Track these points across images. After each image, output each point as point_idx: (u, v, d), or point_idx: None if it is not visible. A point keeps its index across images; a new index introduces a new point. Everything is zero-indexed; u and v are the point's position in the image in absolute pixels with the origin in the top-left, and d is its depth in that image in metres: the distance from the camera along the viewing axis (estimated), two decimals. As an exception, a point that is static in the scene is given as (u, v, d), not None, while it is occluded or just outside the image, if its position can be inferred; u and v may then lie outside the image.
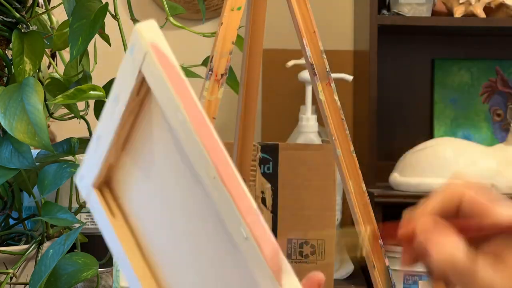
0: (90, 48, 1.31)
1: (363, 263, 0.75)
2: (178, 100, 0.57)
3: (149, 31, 0.60)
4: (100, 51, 1.40)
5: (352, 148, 1.16)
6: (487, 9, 2.21)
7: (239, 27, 1.15)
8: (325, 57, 1.16)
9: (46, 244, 1.23)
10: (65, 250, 1.14)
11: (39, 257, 1.20)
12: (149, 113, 0.61)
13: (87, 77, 1.34)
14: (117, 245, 0.65)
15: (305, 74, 2.03)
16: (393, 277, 1.15)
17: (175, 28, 1.32)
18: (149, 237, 0.64)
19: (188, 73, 1.39)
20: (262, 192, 1.58)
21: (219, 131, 0.58)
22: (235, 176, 0.55)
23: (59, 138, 1.81)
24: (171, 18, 1.30)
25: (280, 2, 1.19)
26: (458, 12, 2.19)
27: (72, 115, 1.35)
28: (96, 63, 1.40)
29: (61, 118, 1.36)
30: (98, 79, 1.34)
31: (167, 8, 1.30)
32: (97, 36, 1.25)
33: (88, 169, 0.66)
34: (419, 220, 0.66)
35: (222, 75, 1.13)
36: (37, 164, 1.22)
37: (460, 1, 2.19)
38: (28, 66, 1.22)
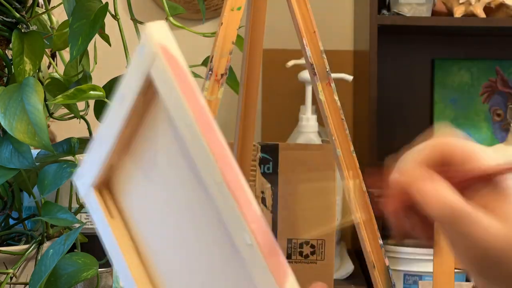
0: (90, 48, 1.31)
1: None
2: (186, 104, 0.56)
3: (158, 33, 0.59)
4: (100, 51, 1.40)
5: (352, 148, 1.16)
6: (487, 9, 2.21)
7: (239, 27, 1.15)
8: (325, 57, 1.16)
9: (46, 244, 1.23)
10: (65, 250, 1.14)
11: (39, 257, 1.20)
12: (155, 115, 0.61)
13: (87, 77, 1.34)
14: (114, 246, 0.64)
15: (305, 74, 2.03)
16: (393, 277, 1.15)
17: (175, 28, 1.32)
18: (147, 240, 0.64)
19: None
20: (262, 192, 1.58)
21: (219, 131, 0.58)
22: (241, 182, 0.55)
23: (59, 138, 1.81)
24: (171, 18, 1.30)
25: (280, 2, 1.19)
26: (458, 12, 2.19)
27: (72, 115, 1.35)
28: (96, 63, 1.40)
29: (61, 118, 1.36)
30: (98, 79, 1.34)
31: (167, 8, 1.30)
32: (97, 36, 1.25)
33: (88, 168, 0.66)
34: (408, 172, 0.66)
35: (222, 75, 1.13)
36: (37, 164, 1.22)
37: (460, 1, 2.19)
38: (28, 66, 1.22)
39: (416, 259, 2.18)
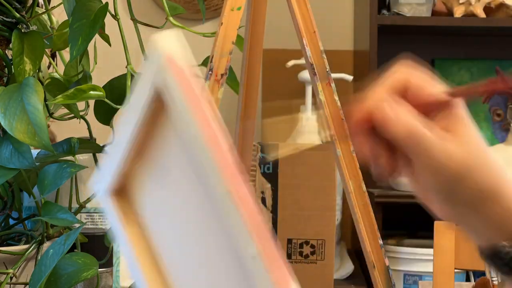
0: (90, 48, 1.31)
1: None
2: (192, 116, 0.57)
3: (167, 43, 0.60)
4: (100, 51, 1.40)
5: (352, 148, 1.16)
6: (487, 9, 2.21)
7: (239, 27, 1.15)
8: (325, 57, 1.16)
9: (46, 244, 1.23)
10: (65, 250, 1.14)
11: (39, 257, 1.20)
12: (164, 124, 0.62)
13: (87, 77, 1.34)
14: (129, 251, 0.65)
15: (305, 74, 2.03)
16: (393, 277, 1.15)
17: (175, 28, 1.32)
18: (161, 246, 0.65)
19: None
20: (262, 192, 1.58)
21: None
22: (246, 193, 0.55)
23: (59, 138, 1.82)
24: (171, 18, 1.30)
25: (280, 2, 1.19)
26: (458, 12, 2.19)
27: (72, 115, 1.35)
28: (96, 63, 1.40)
29: (61, 118, 1.36)
30: (98, 79, 1.34)
31: (167, 8, 1.30)
32: (97, 36, 1.25)
33: (104, 174, 0.67)
34: (372, 97, 0.72)
35: (222, 75, 1.13)
36: (37, 164, 1.22)
37: (460, 1, 2.19)
38: (28, 66, 1.22)
39: (416, 259, 2.19)
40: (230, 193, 0.54)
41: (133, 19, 1.30)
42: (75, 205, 1.29)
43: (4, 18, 1.25)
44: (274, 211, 1.57)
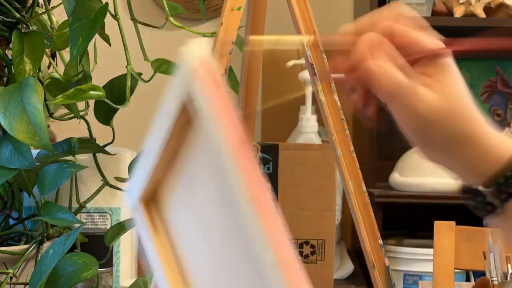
0: (90, 48, 1.31)
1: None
2: (219, 123, 0.57)
3: (201, 51, 0.60)
4: (100, 51, 1.40)
5: (352, 148, 1.16)
6: (487, 9, 2.21)
7: (239, 27, 1.15)
8: (325, 57, 1.16)
9: (46, 244, 1.23)
10: (65, 250, 1.14)
11: (39, 257, 1.20)
12: (193, 132, 0.62)
13: (87, 77, 1.34)
14: (156, 260, 0.67)
15: (305, 74, 2.03)
16: (393, 277, 1.15)
17: (175, 28, 1.32)
18: (187, 256, 0.66)
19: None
20: (262, 192, 1.58)
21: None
22: (268, 200, 0.56)
23: (59, 138, 1.81)
24: (171, 18, 1.30)
25: (280, 2, 1.19)
26: (458, 12, 2.19)
27: (72, 115, 1.35)
28: (96, 63, 1.40)
29: (61, 118, 1.36)
30: (98, 79, 1.34)
31: (167, 8, 1.30)
32: (97, 36, 1.25)
33: (136, 182, 0.68)
34: (358, 50, 0.75)
35: (222, 75, 1.13)
36: (37, 164, 1.22)
37: (460, 1, 2.19)
38: (28, 66, 1.22)
39: (416, 259, 2.18)
40: (252, 200, 0.55)
41: (133, 19, 1.30)
42: (75, 205, 1.29)
43: (4, 18, 1.25)
44: (274, 211, 1.57)
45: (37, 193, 1.24)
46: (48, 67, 1.40)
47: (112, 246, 1.25)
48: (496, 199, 0.75)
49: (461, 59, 0.77)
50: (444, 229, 1.50)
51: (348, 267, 2.08)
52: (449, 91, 0.75)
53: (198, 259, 0.64)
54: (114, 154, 1.35)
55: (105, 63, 1.54)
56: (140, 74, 1.28)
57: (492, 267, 1.24)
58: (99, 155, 1.32)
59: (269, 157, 1.59)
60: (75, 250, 1.24)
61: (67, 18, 1.28)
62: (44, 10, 1.33)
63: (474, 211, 0.77)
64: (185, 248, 0.66)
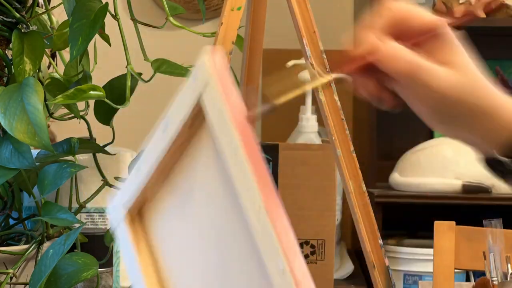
0: (90, 48, 1.31)
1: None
2: (235, 131, 0.57)
3: (214, 59, 0.60)
4: (100, 51, 1.40)
5: (352, 148, 1.16)
6: (487, 9, 2.21)
7: (239, 27, 1.15)
8: (325, 57, 1.16)
9: (46, 244, 1.23)
10: (65, 250, 1.14)
11: (39, 257, 1.20)
12: (198, 145, 0.61)
13: (87, 77, 1.34)
14: (136, 272, 0.65)
15: (305, 74, 2.03)
16: (393, 277, 1.15)
17: (175, 28, 1.32)
18: (171, 271, 0.65)
19: (188, 73, 1.39)
20: (262, 192, 1.58)
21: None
22: (280, 211, 0.56)
23: (59, 138, 1.81)
24: (171, 18, 1.30)
25: (280, 2, 1.19)
26: (458, 12, 2.18)
27: (72, 115, 1.35)
28: (96, 63, 1.40)
29: (61, 118, 1.36)
30: (98, 79, 1.34)
31: (167, 8, 1.30)
32: (97, 36, 1.25)
33: (122, 195, 0.66)
34: (367, 39, 0.75)
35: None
36: (37, 164, 1.22)
37: (460, 1, 2.19)
38: (28, 66, 1.22)
39: (416, 259, 2.18)
40: (265, 208, 0.55)
41: (133, 19, 1.30)
42: (75, 205, 1.29)
43: (4, 18, 1.25)
44: (274, 211, 1.57)
45: (37, 193, 1.24)
46: (48, 67, 1.40)
47: (112, 246, 1.25)
48: None
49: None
50: (444, 229, 1.50)
51: (348, 267, 2.08)
52: (461, 65, 0.77)
53: (187, 277, 0.63)
54: (114, 154, 1.35)
55: (105, 63, 1.54)
56: (140, 74, 1.28)
57: (492, 267, 1.24)
58: (99, 155, 1.32)
59: (269, 157, 1.59)
60: (75, 250, 1.24)
61: (67, 18, 1.28)
62: (44, 10, 1.33)
63: (500, 180, 0.79)
64: (171, 261, 0.64)
